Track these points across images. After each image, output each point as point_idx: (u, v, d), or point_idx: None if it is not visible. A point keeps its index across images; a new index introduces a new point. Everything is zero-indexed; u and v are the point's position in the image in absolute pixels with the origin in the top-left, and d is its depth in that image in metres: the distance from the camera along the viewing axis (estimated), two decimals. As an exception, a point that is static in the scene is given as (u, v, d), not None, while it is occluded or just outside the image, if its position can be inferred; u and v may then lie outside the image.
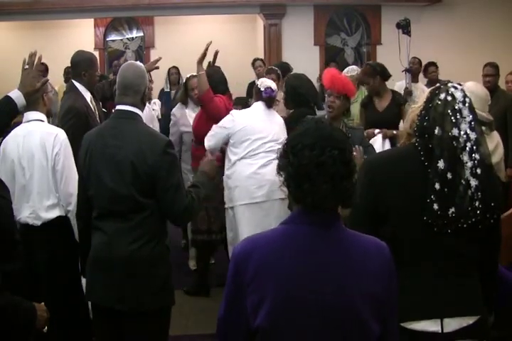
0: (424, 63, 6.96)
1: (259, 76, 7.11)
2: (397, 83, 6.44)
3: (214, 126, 3.98)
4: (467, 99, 1.87)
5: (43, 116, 3.00)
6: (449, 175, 1.80)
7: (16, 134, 2.98)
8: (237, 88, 7.43)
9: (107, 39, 9.43)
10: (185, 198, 2.47)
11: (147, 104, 4.99)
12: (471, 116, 1.85)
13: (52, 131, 2.93)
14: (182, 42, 9.11)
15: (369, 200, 1.88)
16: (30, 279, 2.47)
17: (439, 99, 1.86)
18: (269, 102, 3.98)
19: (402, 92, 6.07)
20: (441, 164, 1.80)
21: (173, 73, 7.37)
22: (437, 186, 1.80)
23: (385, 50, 7.82)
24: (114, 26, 9.44)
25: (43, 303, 2.12)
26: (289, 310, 1.44)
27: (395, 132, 4.49)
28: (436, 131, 1.82)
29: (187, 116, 4.88)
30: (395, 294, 1.54)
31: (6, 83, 7.79)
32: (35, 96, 2.92)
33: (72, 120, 3.32)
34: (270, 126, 3.92)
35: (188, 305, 4.15)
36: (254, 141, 3.86)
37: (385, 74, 4.86)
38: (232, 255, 1.53)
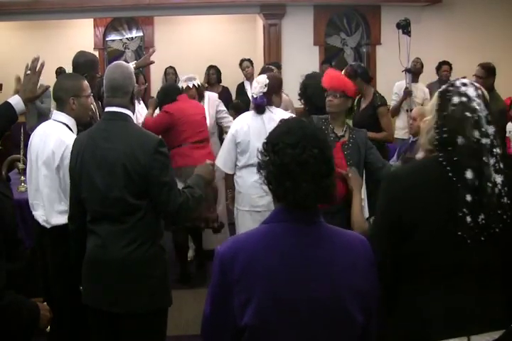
0: (423, 63, 6.96)
1: (247, 77, 7.13)
2: (397, 83, 6.45)
3: (221, 150, 4.03)
4: (479, 92, 1.78)
5: (68, 120, 2.92)
6: (477, 182, 1.70)
7: (43, 131, 2.95)
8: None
9: (107, 39, 9.41)
10: (179, 196, 2.46)
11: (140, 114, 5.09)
12: (486, 110, 1.75)
13: (65, 142, 2.82)
14: (182, 43, 9.10)
15: (394, 215, 1.77)
16: (37, 279, 2.47)
17: (454, 105, 1.75)
18: (258, 110, 3.83)
19: (401, 92, 6.07)
20: (469, 174, 1.70)
21: (170, 73, 7.34)
22: (468, 198, 1.70)
23: (385, 50, 7.82)
24: (114, 26, 9.42)
25: (45, 303, 2.12)
26: (277, 308, 1.46)
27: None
28: (459, 141, 1.72)
29: None
30: (376, 286, 1.58)
31: (6, 83, 7.81)
32: (63, 98, 2.89)
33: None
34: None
35: (188, 305, 4.15)
36: (253, 152, 3.83)
37: (365, 77, 4.87)
38: (216, 255, 1.53)
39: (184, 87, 4.95)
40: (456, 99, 1.75)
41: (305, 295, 1.47)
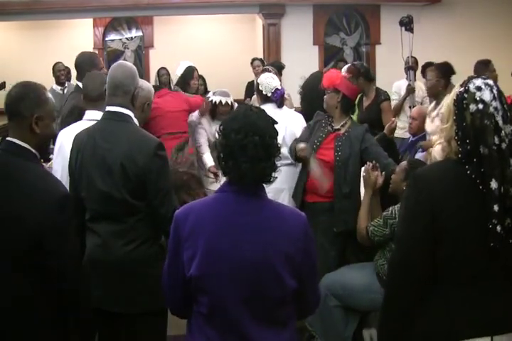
0: (423, 63, 6.94)
1: (257, 76, 7.11)
2: (395, 83, 6.41)
3: None
4: (494, 91, 1.74)
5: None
6: (502, 189, 1.69)
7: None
8: (237, 88, 7.45)
9: (106, 39, 9.42)
10: (175, 202, 2.46)
11: None
12: (502, 110, 1.72)
13: None
14: (181, 42, 9.10)
15: (427, 220, 1.74)
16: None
17: (471, 114, 1.72)
18: (281, 103, 3.91)
19: (401, 91, 6.06)
20: (493, 184, 1.69)
21: (164, 74, 7.26)
22: (496, 208, 1.69)
23: (384, 50, 7.82)
24: (114, 26, 9.43)
25: None
26: (215, 264, 1.71)
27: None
28: (482, 151, 1.70)
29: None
30: (312, 256, 1.80)
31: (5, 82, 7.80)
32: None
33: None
34: (280, 130, 3.81)
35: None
36: None
37: (368, 76, 4.92)
38: (174, 216, 1.80)
39: (217, 101, 4.64)
40: (473, 107, 1.72)
41: (238, 254, 1.70)
